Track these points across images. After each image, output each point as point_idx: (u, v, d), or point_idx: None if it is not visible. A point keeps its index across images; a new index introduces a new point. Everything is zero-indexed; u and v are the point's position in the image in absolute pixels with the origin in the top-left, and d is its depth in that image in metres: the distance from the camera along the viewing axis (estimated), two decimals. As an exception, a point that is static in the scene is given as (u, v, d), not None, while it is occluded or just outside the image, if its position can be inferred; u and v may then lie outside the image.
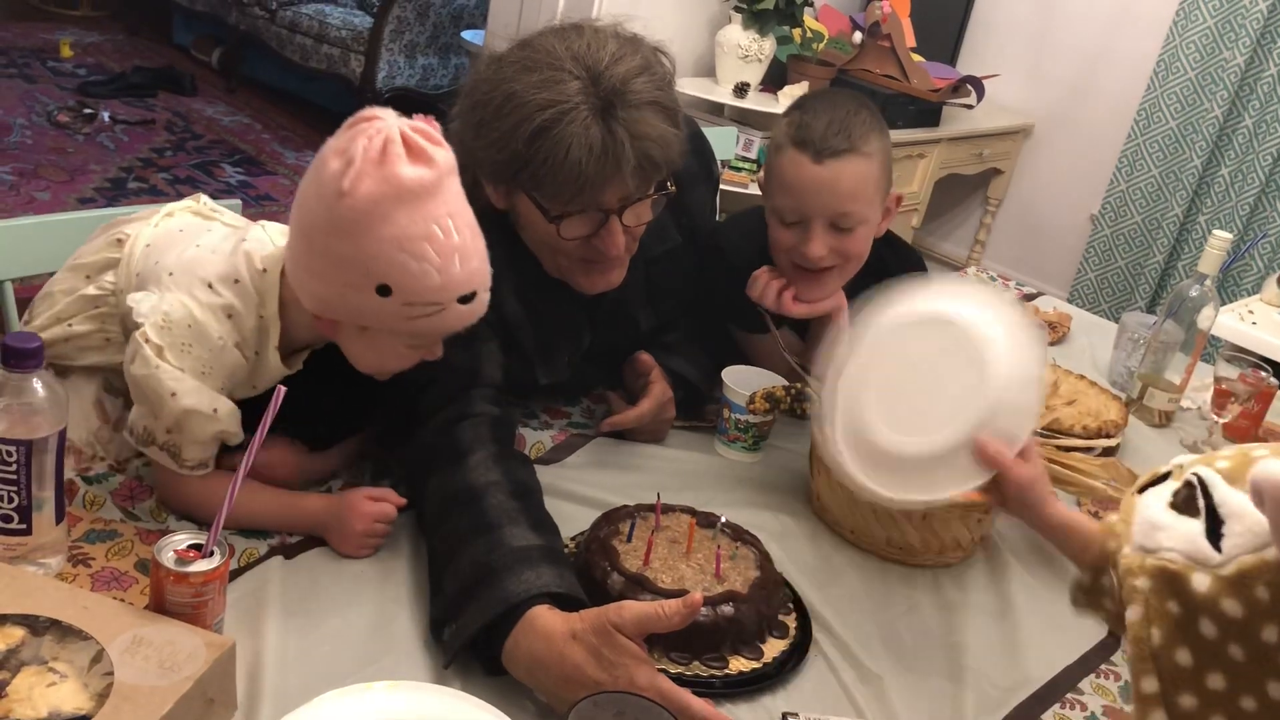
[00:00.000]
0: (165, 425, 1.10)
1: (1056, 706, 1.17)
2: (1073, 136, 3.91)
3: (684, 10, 3.27)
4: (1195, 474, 0.71)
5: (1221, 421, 1.79)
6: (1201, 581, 0.66)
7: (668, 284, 1.49)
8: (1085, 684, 1.22)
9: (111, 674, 0.86)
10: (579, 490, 1.35)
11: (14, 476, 0.98)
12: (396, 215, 1.00)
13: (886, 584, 1.31)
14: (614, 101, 1.17)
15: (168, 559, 0.94)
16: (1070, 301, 3.42)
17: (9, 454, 0.97)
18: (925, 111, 3.48)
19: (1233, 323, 2.55)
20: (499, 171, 1.22)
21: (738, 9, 3.18)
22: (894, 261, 1.55)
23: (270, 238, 1.16)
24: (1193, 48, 3.50)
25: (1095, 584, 0.92)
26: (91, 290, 1.21)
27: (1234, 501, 0.67)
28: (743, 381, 1.47)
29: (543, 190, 1.21)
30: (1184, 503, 0.71)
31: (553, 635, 0.99)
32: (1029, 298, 2.42)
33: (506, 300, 1.32)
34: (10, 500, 0.99)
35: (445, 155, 1.03)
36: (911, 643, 1.22)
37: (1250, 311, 2.64)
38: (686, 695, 0.97)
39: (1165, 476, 0.77)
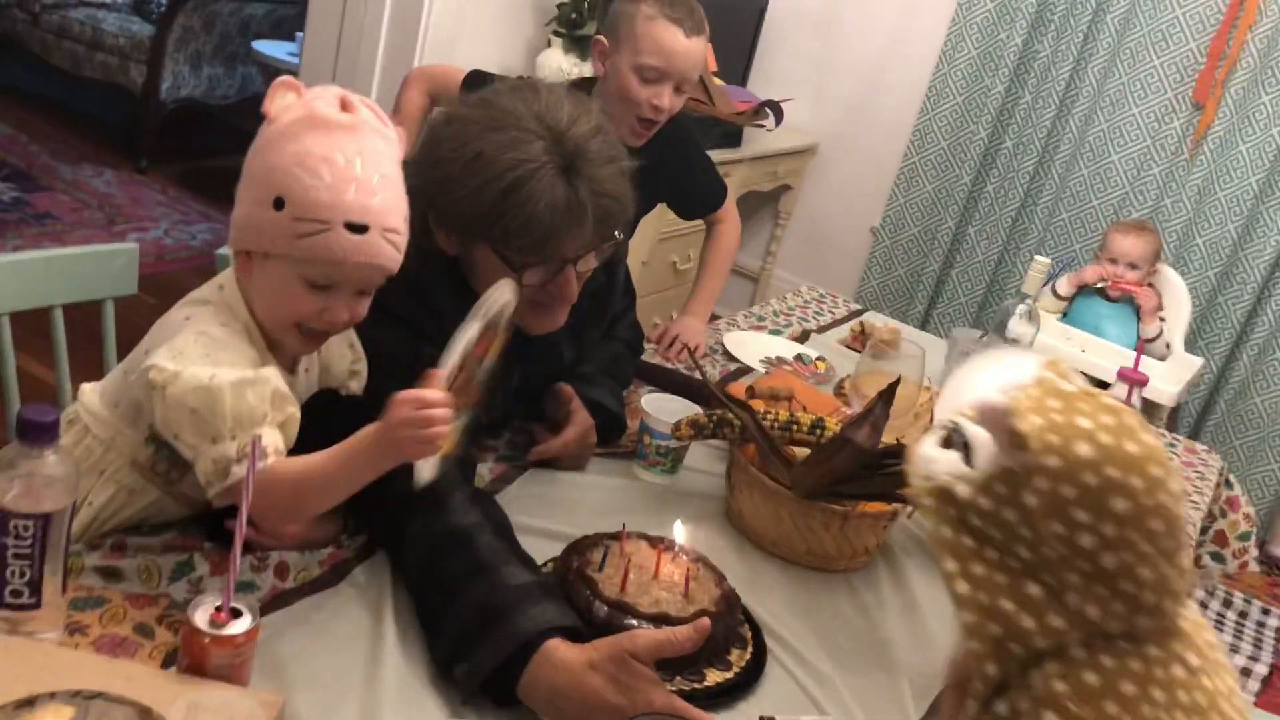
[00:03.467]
0: (229, 429, 1.05)
1: (970, 688, 1.34)
2: (854, 155, 4.23)
3: (503, 34, 3.33)
4: (951, 420, 0.97)
5: (1044, 423, 2.04)
6: (963, 489, 0.90)
7: (590, 319, 1.58)
8: (987, 666, 1.40)
9: (183, 743, 0.87)
10: (524, 521, 1.42)
11: (28, 551, 0.97)
12: (305, 137, 1.08)
13: (810, 591, 1.45)
14: (576, 161, 1.26)
15: (206, 623, 0.96)
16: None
17: (25, 528, 0.96)
18: (729, 134, 3.68)
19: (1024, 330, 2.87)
20: (467, 225, 1.28)
21: (557, 34, 3.27)
22: (677, 123, 2.05)
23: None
24: (959, 75, 3.86)
25: None
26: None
27: (977, 433, 0.92)
28: (661, 409, 1.58)
29: (510, 243, 1.28)
30: (946, 442, 0.96)
31: (571, 666, 1.07)
32: (855, 314, 2.64)
33: (454, 341, 1.38)
34: (22, 575, 0.98)
35: (374, 117, 1.12)
36: (846, 644, 1.36)
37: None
38: (699, 712, 1.07)
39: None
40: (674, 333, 2.11)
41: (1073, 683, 0.88)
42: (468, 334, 1.12)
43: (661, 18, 1.87)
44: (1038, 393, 0.92)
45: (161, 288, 1.68)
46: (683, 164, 2.17)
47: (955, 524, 0.92)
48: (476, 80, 2.10)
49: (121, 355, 1.56)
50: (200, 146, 5.00)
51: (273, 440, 1.07)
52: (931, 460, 0.95)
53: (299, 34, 4.20)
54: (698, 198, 2.29)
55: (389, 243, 1.11)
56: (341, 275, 1.11)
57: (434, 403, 1.04)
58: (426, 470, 1.09)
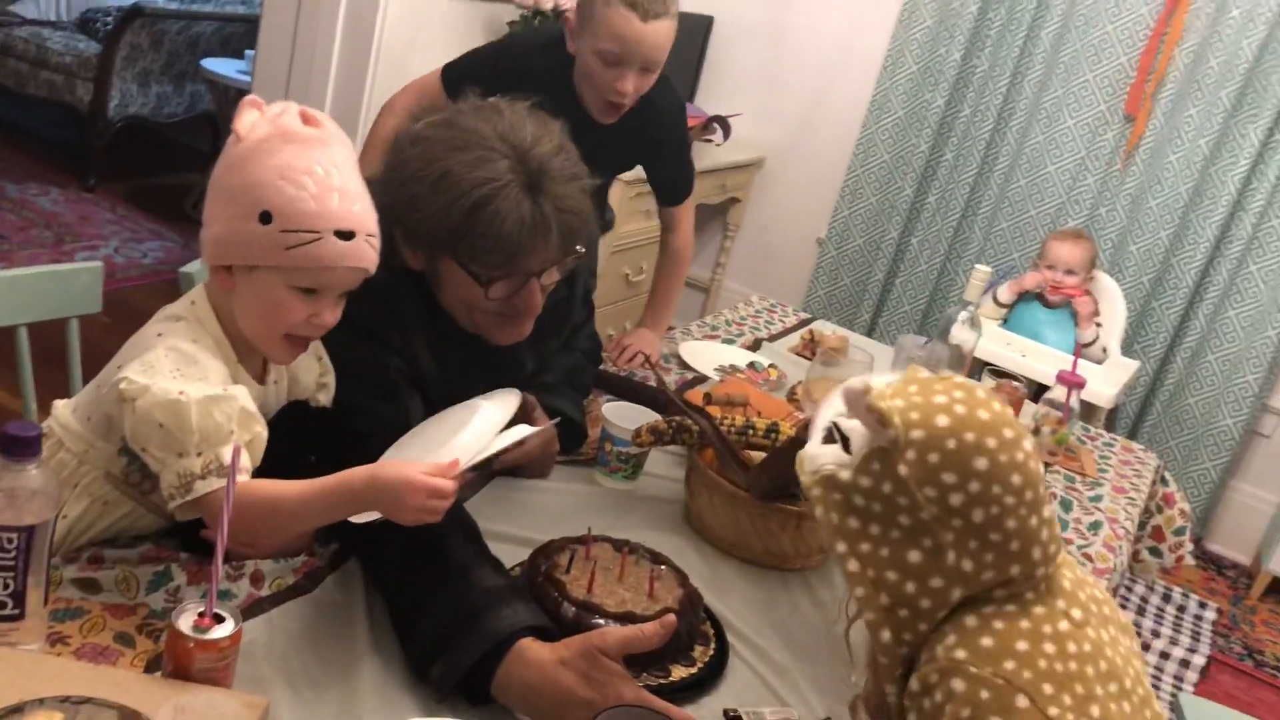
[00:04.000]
0: (194, 445, 1.08)
1: (921, 678, 1.41)
2: (800, 168, 4.31)
3: (456, 50, 3.34)
4: (830, 420, 1.09)
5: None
6: (844, 474, 1.04)
7: (551, 329, 1.62)
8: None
9: (172, 743, 0.90)
10: (491, 527, 1.46)
11: (12, 563, 1.00)
12: (282, 151, 1.13)
13: (768, 588, 1.51)
14: (540, 178, 1.31)
15: (190, 628, 0.99)
16: (813, 318, 3.78)
17: (9, 541, 0.99)
18: (678, 147, 3.74)
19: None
20: (435, 241, 1.32)
21: (508, 51, 3.31)
22: (659, 96, 2.06)
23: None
24: (900, 90, 3.96)
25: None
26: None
27: (852, 425, 1.05)
28: (622, 416, 1.63)
29: (477, 258, 1.33)
30: (827, 439, 1.08)
31: (544, 664, 1.11)
32: (804, 322, 2.71)
33: (421, 355, 1.42)
34: (6, 587, 1.00)
35: (335, 128, 1.18)
36: (803, 637, 1.42)
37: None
38: (668, 705, 1.12)
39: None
40: (629, 344, 2.16)
41: (971, 648, 0.99)
42: (494, 446, 1.25)
43: (618, 3, 1.85)
44: (899, 382, 1.06)
45: (116, 306, 1.70)
46: (669, 133, 2.18)
47: (841, 508, 1.04)
48: (451, 74, 2.13)
49: (87, 373, 1.59)
50: (149, 164, 4.98)
51: (242, 461, 1.09)
52: (816, 457, 1.08)
53: (249, 51, 4.21)
54: (669, 179, 2.26)
55: (370, 247, 1.18)
56: (330, 280, 1.17)
57: (447, 494, 1.12)
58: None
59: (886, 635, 1.03)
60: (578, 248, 1.41)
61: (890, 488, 1.01)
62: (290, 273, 1.14)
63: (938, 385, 1.04)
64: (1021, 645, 0.99)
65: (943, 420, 0.99)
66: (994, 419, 1.01)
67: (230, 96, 4.35)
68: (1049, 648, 0.99)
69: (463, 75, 2.10)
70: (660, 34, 1.89)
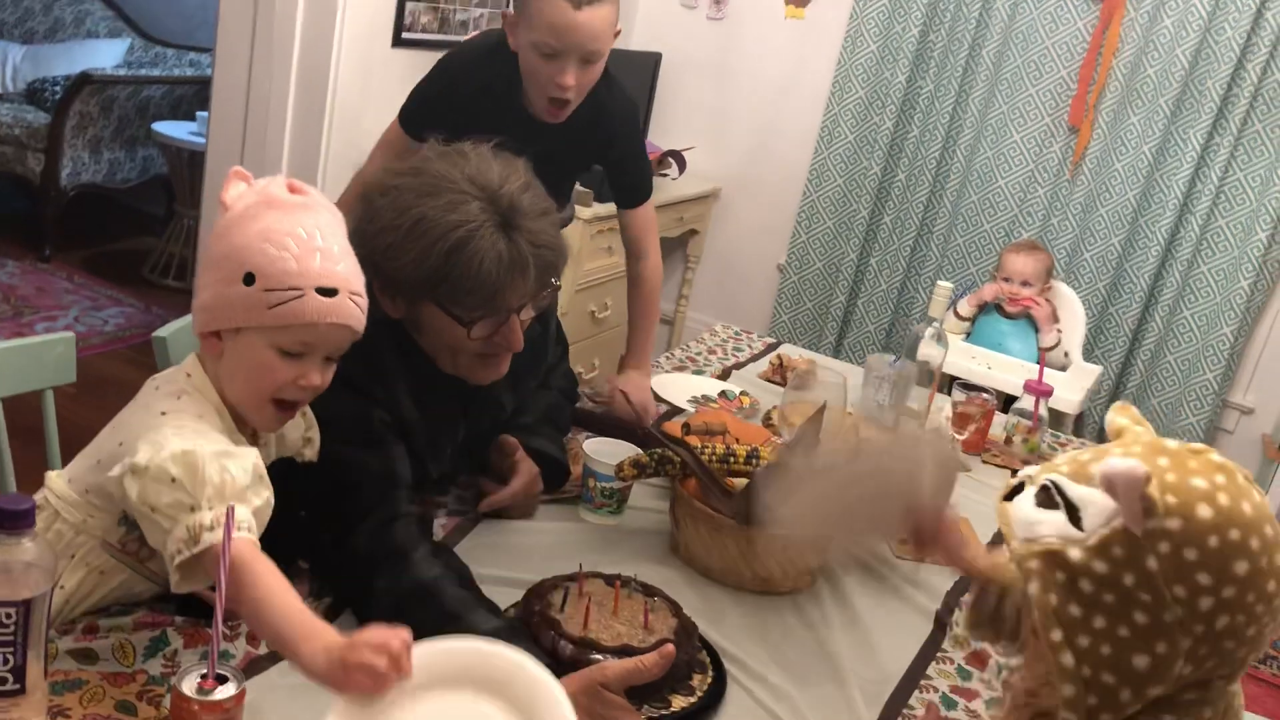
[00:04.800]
0: (206, 498, 1.05)
1: (917, 691, 1.42)
2: (756, 197, 4.37)
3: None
4: (1049, 479, 0.97)
5: (961, 439, 2.15)
6: (1075, 553, 0.91)
7: (528, 368, 1.64)
8: (931, 670, 1.48)
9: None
10: (481, 571, 1.46)
11: (11, 638, 0.99)
12: (266, 216, 1.15)
13: (760, 614, 1.52)
14: (512, 216, 1.34)
15: (194, 690, 0.99)
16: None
17: (7, 616, 0.98)
18: (635, 183, 3.78)
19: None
20: (414, 287, 1.34)
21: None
22: (608, 98, 2.01)
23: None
24: (849, 114, 4.03)
25: (997, 611, 1.15)
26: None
27: (1083, 493, 0.93)
28: (603, 452, 1.64)
29: (458, 300, 1.35)
30: (1045, 502, 0.96)
31: (547, 701, 1.12)
32: (771, 347, 2.74)
33: (404, 403, 1.43)
34: (6, 662, 1.00)
35: (322, 196, 1.21)
36: (798, 660, 1.43)
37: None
38: (672, 733, 1.13)
39: (1020, 487, 1.03)
40: (623, 390, 2.05)
41: None
42: None
43: None
44: (1142, 451, 0.93)
45: (80, 375, 1.71)
46: (621, 130, 2.13)
47: (1064, 591, 0.91)
48: (406, 117, 2.15)
49: (64, 443, 1.58)
50: (105, 231, 4.96)
51: (246, 517, 1.07)
52: (1035, 522, 0.94)
53: (200, 113, 4.22)
54: (625, 181, 2.21)
55: (356, 305, 1.18)
56: (314, 339, 1.16)
57: (393, 649, 0.97)
58: None
59: None
60: (553, 280, 1.43)
61: (1132, 580, 0.88)
62: (274, 332, 1.15)
63: (1193, 462, 0.91)
64: None
65: (1205, 512, 0.87)
66: (1257, 514, 0.88)
67: (184, 159, 4.35)
68: None
69: (416, 114, 2.13)
70: (597, 22, 1.84)
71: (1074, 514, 0.92)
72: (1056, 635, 0.91)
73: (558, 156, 1.99)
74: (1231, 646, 0.88)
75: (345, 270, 1.17)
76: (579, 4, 1.82)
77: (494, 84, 2.01)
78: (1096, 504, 0.91)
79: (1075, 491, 0.93)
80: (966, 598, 1.43)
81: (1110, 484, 0.88)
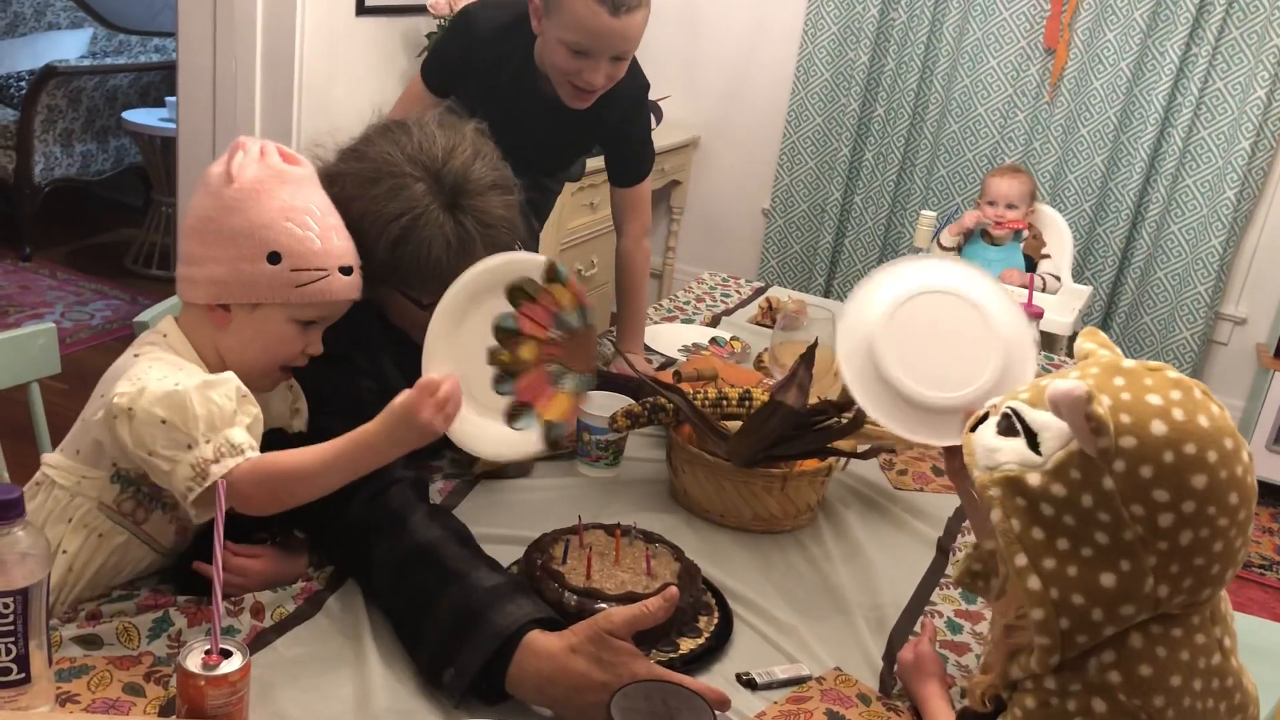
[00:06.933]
0: (201, 432, 1.08)
1: (922, 618, 1.43)
2: (735, 142, 4.34)
3: (377, 70, 3.34)
4: (1009, 407, 0.98)
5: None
6: (1034, 478, 0.91)
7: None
8: (935, 596, 1.48)
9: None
10: (481, 531, 1.46)
11: (11, 628, 0.99)
12: (279, 191, 1.18)
13: (763, 552, 1.53)
14: (458, 196, 1.33)
15: (199, 667, 0.99)
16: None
17: (5, 606, 0.98)
18: (613, 137, 3.75)
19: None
20: (371, 275, 1.33)
21: (430, 63, 3.30)
22: (626, 81, 1.95)
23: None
24: (824, 51, 3.99)
25: (987, 566, 1.14)
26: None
27: (1040, 418, 0.93)
28: (596, 405, 1.64)
29: (411, 286, 1.36)
30: (1006, 429, 0.96)
31: (554, 653, 1.12)
32: (760, 291, 2.73)
33: (388, 371, 1.42)
34: (8, 652, 0.99)
35: (310, 166, 1.25)
36: (803, 595, 1.44)
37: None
38: (682, 676, 1.13)
39: (985, 417, 1.03)
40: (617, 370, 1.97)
41: (1126, 673, 0.90)
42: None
43: None
44: (1100, 372, 0.92)
45: (71, 371, 1.70)
46: (626, 114, 2.08)
47: (1025, 516, 0.91)
48: (428, 72, 2.11)
49: (55, 439, 1.58)
50: (83, 225, 4.92)
51: (244, 439, 1.12)
52: (995, 450, 0.95)
53: (169, 99, 4.18)
54: (621, 165, 2.15)
55: (360, 278, 1.27)
56: (332, 312, 1.26)
57: (448, 393, 1.12)
58: (516, 445, 1.28)
59: (1055, 659, 0.92)
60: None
61: (1090, 501, 0.88)
62: (296, 308, 1.21)
63: (1148, 380, 0.91)
64: (1175, 680, 0.91)
65: (1159, 427, 0.86)
66: (1214, 427, 0.88)
67: (157, 146, 4.30)
68: (1198, 684, 0.92)
69: (437, 71, 2.11)
70: (632, 27, 1.80)
71: (1033, 440, 0.93)
72: (1021, 560, 0.91)
73: (560, 137, 2.01)
74: (1202, 563, 0.88)
75: (350, 244, 1.25)
76: (616, 10, 1.76)
77: (513, 56, 1.98)
78: (1053, 429, 0.92)
79: (1034, 417, 0.93)
80: (967, 523, 1.43)
81: (1056, 406, 0.89)
